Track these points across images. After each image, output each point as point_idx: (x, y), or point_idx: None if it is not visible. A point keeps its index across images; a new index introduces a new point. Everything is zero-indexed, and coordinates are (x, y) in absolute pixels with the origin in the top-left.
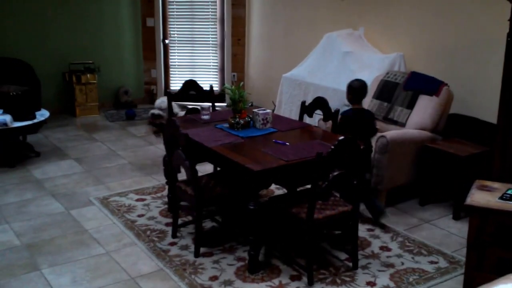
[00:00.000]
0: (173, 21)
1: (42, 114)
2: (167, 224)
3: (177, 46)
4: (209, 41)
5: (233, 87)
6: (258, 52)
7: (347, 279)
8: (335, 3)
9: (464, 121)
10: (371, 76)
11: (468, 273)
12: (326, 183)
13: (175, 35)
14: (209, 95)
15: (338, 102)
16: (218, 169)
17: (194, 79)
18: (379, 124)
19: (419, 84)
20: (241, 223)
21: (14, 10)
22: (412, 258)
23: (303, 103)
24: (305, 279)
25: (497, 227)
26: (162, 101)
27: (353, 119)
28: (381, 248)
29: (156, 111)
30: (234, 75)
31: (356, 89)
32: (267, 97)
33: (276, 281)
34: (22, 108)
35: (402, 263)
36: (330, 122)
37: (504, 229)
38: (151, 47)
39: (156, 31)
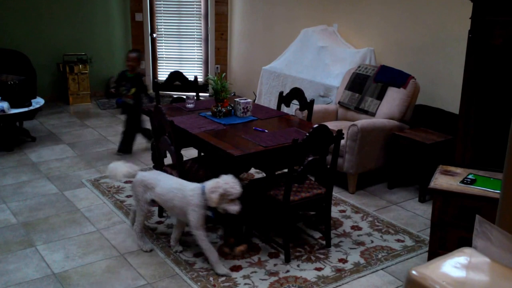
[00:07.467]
0: (160, 17)
1: (38, 102)
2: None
3: (164, 40)
4: (194, 35)
5: (216, 78)
6: (239, 46)
7: (321, 256)
8: (311, 0)
9: (429, 112)
10: (343, 69)
11: (431, 250)
12: (302, 167)
13: (162, 30)
14: (194, 85)
15: (313, 92)
16: (202, 154)
17: (180, 70)
18: (351, 114)
19: (388, 77)
20: None
21: (12, 5)
22: (381, 236)
23: (281, 93)
24: (282, 256)
25: (458, 209)
26: None
27: None
28: (352, 227)
29: None
30: (217, 67)
31: None
32: (248, 88)
33: (255, 258)
34: (19, 96)
35: (372, 241)
36: (306, 111)
37: (464, 211)
38: (140, 40)
39: (145, 25)
